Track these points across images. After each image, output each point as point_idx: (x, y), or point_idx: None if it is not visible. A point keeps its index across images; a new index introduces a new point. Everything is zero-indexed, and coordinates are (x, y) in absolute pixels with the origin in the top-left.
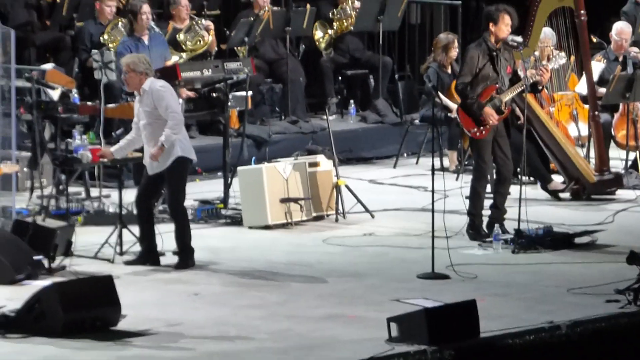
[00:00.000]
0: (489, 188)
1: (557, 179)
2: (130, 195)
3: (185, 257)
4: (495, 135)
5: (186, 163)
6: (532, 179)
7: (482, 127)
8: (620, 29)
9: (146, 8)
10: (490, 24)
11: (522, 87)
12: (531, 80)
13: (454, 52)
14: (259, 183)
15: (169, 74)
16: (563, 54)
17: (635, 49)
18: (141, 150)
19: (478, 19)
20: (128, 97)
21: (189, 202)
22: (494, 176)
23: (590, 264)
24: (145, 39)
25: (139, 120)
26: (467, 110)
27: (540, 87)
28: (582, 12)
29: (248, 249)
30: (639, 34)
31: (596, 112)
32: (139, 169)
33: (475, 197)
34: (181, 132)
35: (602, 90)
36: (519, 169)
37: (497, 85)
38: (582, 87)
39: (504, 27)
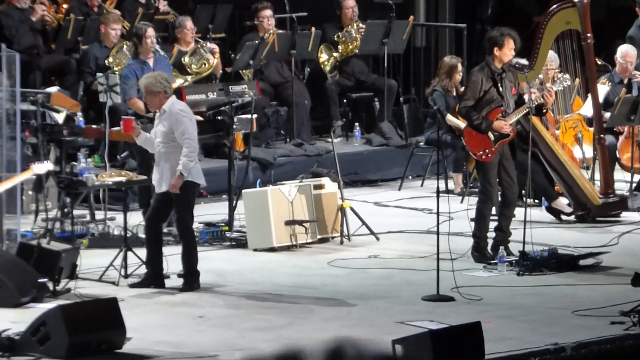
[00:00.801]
0: (494, 210)
1: (563, 201)
2: (135, 218)
3: (191, 280)
4: (501, 158)
5: (194, 187)
6: (536, 201)
7: (487, 150)
8: (625, 52)
9: (151, 31)
10: (495, 48)
11: (527, 110)
12: (536, 103)
13: (458, 76)
14: (264, 205)
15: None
16: (567, 76)
17: (638, 73)
18: (146, 171)
19: (483, 42)
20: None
21: (194, 225)
22: (499, 199)
23: (595, 286)
24: (150, 62)
25: (154, 138)
26: (473, 132)
27: (545, 110)
28: (589, 34)
29: (253, 271)
30: None
31: (601, 135)
32: (144, 193)
33: (481, 220)
34: (196, 159)
35: (607, 114)
36: (524, 191)
37: (502, 107)
38: (586, 109)
39: (508, 51)
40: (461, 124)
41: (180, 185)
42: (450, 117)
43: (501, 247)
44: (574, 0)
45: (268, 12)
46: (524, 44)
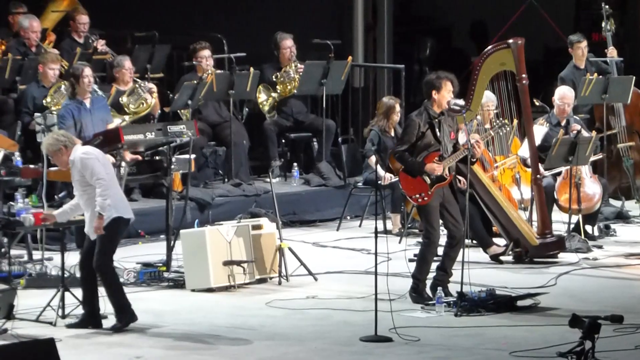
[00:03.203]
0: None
1: (500, 242)
2: (72, 258)
3: (123, 316)
4: (443, 201)
5: (120, 222)
6: (474, 242)
7: (423, 194)
8: (563, 93)
9: (88, 71)
10: (433, 92)
11: (464, 154)
12: (471, 145)
13: (396, 117)
14: (201, 246)
15: (112, 137)
16: (506, 121)
17: (577, 126)
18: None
19: (421, 83)
20: None
21: (132, 265)
22: (446, 240)
23: (532, 327)
24: (87, 102)
25: (76, 190)
26: (409, 176)
27: (474, 160)
28: (524, 75)
29: (191, 312)
30: (581, 99)
31: (538, 176)
32: (81, 232)
33: (423, 262)
34: (111, 195)
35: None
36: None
37: (439, 152)
38: (524, 150)
39: (446, 93)
40: (381, 171)
41: (104, 224)
42: (371, 163)
43: (439, 288)
44: (508, 42)
45: (206, 52)
46: (462, 85)
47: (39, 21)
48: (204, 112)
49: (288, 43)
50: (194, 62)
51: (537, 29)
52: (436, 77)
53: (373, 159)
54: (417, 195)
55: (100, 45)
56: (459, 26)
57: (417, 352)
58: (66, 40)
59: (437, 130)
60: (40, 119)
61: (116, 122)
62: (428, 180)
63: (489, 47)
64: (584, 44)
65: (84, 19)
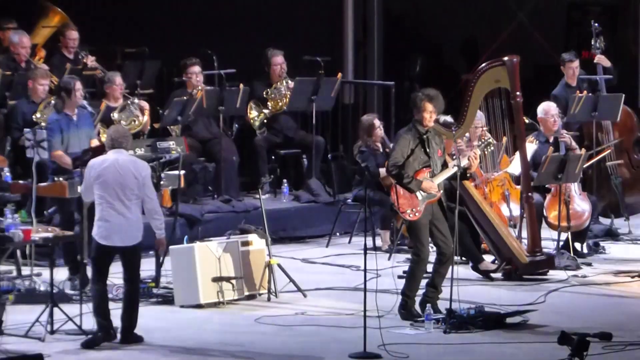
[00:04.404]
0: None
1: (488, 259)
2: (61, 274)
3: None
4: (432, 218)
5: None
6: (464, 258)
7: (415, 209)
8: (547, 108)
9: (79, 85)
10: (415, 111)
11: (454, 170)
12: (463, 165)
13: (379, 131)
14: (191, 262)
15: (101, 153)
16: (491, 140)
17: (565, 133)
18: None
19: (410, 100)
20: (55, 177)
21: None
22: (436, 256)
23: (521, 344)
24: (75, 117)
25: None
26: (401, 191)
27: (469, 175)
28: (518, 93)
29: (180, 328)
30: (571, 116)
31: (529, 194)
32: (68, 249)
33: (412, 279)
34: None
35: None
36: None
37: (430, 167)
38: (514, 167)
39: (426, 115)
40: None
41: None
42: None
43: (428, 305)
44: (504, 59)
45: (197, 69)
46: (452, 102)
47: (29, 37)
48: (193, 128)
49: (279, 60)
50: (184, 78)
51: (528, 46)
52: (417, 97)
53: (383, 171)
54: (409, 211)
55: (90, 61)
56: (450, 43)
57: None
58: (56, 56)
59: (426, 146)
60: (30, 134)
61: (95, 142)
62: (420, 196)
63: (484, 64)
64: (576, 63)
65: (73, 34)
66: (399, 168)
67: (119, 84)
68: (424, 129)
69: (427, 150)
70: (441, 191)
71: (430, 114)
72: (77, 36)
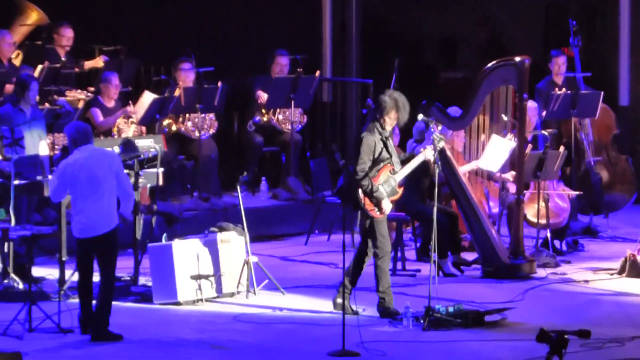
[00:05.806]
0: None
1: (469, 257)
2: (40, 272)
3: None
4: None
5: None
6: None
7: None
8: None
9: (35, 86)
10: (378, 110)
11: (413, 166)
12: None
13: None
14: (169, 260)
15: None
16: (442, 136)
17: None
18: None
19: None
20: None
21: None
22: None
23: (500, 342)
24: (28, 112)
25: None
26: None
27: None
28: (526, 95)
29: (158, 326)
30: (550, 113)
31: (521, 197)
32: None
33: (383, 275)
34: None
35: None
36: (430, 246)
37: (392, 165)
38: (484, 162)
39: (388, 119)
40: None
41: None
42: None
43: (408, 302)
44: (515, 59)
45: (187, 65)
46: (429, 99)
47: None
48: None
49: (283, 61)
50: (161, 77)
51: (506, 45)
52: (385, 101)
53: None
54: (376, 208)
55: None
56: (428, 41)
57: None
58: (49, 52)
59: (388, 146)
60: (7, 132)
61: (42, 144)
62: (384, 193)
63: (494, 61)
64: (563, 59)
65: (68, 32)
66: (366, 173)
67: (115, 85)
68: (386, 131)
69: (389, 150)
70: (401, 189)
71: (392, 121)
72: (72, 34)
